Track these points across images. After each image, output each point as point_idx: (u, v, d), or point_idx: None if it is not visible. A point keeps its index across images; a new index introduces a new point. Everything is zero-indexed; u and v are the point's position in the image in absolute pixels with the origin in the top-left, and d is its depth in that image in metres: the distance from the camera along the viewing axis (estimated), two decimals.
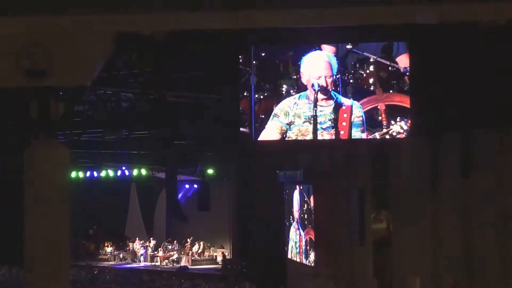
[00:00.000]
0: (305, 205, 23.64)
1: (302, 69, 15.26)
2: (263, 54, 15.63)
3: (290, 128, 15.39)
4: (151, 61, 17.80)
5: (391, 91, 15.24)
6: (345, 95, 15.21)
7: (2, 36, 8.10)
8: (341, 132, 15.25)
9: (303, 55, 15.30)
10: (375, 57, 15.16)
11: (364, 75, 15.21)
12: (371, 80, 15.19)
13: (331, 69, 15.17)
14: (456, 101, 16.21)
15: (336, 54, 15.24)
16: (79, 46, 8.33)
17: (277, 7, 7.17)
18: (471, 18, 6.88)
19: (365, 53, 15.24)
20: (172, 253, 31.52)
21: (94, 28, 8.08)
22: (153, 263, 31.67)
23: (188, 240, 31.41)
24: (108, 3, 7.68)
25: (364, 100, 15.21)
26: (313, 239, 22.80)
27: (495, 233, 16.61)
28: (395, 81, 15.25)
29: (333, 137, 15.37)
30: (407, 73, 15.05)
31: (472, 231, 17.26)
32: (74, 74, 8.71)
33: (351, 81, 15.24)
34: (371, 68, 15.19)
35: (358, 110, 15.14)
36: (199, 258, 31.09)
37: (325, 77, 15.13)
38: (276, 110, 15.40)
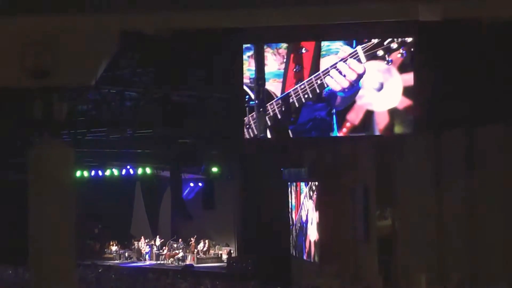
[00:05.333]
0: (310, 202, 23.64)
1: None
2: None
3: None
4: (155, 61, 17.82)
5: None
6: None
7: (6, 35, 8.11)
8: None
9: None
10: None
11: None
12: None
13: None
14: (462, 97, 16.20)
15: None
16: (83, 45, 8.33)
17: (278, 5, 7.14)
18: (474, 14, 6.86)
19: None
20: (177, 251, 31.53)
21: (98, 27, 8.08)
22: (158, 262, 31.69)
23: (193, 238, 31.43)
24: (112, 2, 7.67)
25: None
26: (318, 237, 22.80)
27: (501, 228, 16.59)
28: None
29: None
30: None
31: (478, 227, 17.25)
32: (78, 74, 8.72)
33: None
34: None
35: None
36: (204, 256, 31.10)
37: None
38: None
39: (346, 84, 15.46)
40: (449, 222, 18.10)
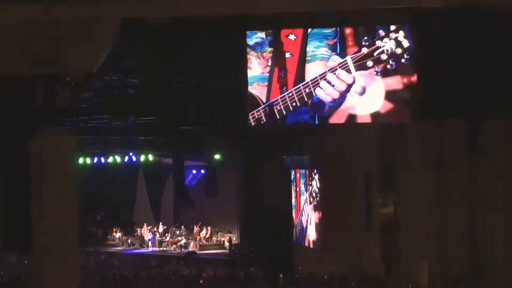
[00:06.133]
0: (312, 189, 23.68)
1: None
2: None
3: None
4: (157, 48, 17.79)
5: None
6: None
7: (7, 24, 8.11)
8: None
9: None
10: None
11: None
12: None
13: None
14: (463, 86, 16.19)
15: None
16: (84, 33, 8.33)
17: None
18: (475, 1, 6.86)
19: None
20: (180, 238, 31.59)
21: (100, 15, 8.08)
22: (161, 248, 31.75)
23: (196, 225, 31.48)
24: None
25: None
26: (320, 224, 22.84)
27: (503, 216, 16.63)
28: None
29: None
30: None
31: (480, 215, 17.28)
32: (80, 61, 8.72)
33: None
34: None
35: None
36: (206, 243, 31.15)
37: None
38: None
39: (336, 95, 15.51)
40: (452, 210, 18.13)
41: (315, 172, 23.43)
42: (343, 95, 15.55)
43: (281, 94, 15.72)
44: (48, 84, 9.64)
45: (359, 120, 15.74)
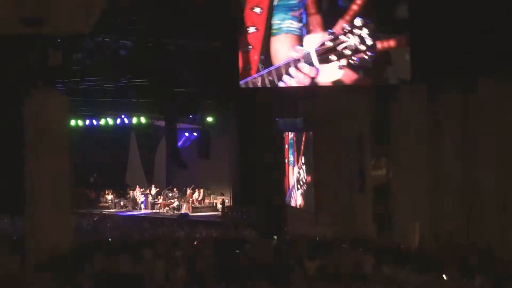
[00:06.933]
0: (306, 152, 23.72)
1: None
2: None
3: None
4: (150, 8, 17.67)
5: None
6: None
7: None
8: None
9: None
10: None
11: None
12: None
13: None
14: (457, 48, 16.17)
15: None
16: None
17: None
18: None
19: None
20: (172, 200, 31.63)
21: None
22: (153, 211, 31.82)
23: (189, 187, 31.51)
24: None
25: None
26: (312, 186, 22.92)
27: (495, 179, 16.69)
28: None
29: None
30: None
31: (472, 177, 17.35)
32: (72, 22, 8.65)
33: None
34: None
35: None
36: (199, 205, 31.20)
37: None
38: None
39: (300, 84, 15.84)
40: (444, 172, 18.20)
41: (306, 135, 23.46)
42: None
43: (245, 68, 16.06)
44: (40, 45, 9.57)
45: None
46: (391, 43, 15.84)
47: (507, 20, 14.91)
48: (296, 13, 15.92)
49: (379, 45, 15.54)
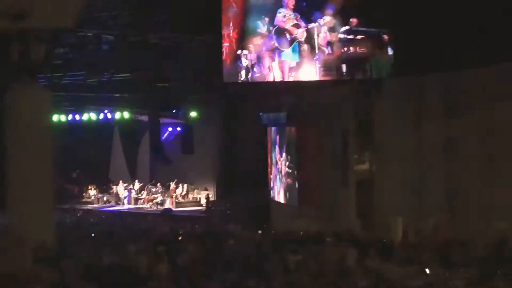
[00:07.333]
0: (289, 146, 23.73)
1: None
2: None
3: None
4: (132, 3, 17.63)
5: None
6: None
7: None
8: None
9: None
10: None
11: None
12: None
13: None
14: (439, 42, 16.20)
15: None
16: None
17: None
18: None
19: None
20: (156, 195, 31.59)
21: None
22: (137, 206, 31.75)
23: (172, 182, 31.47)
24: None
25: None
26: (296, 180, 22.93)
27: (478, 171, 16.74)
28: None
29: None
30: None
31: (456, 170, 17.39)
32: (55, 16, 8.60)
33: None
34: None
35: None
36: (183, 200, 31.17)
37: None
38: None
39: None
40: (427, 166, 18.23)
41: (289, 130, 23.47)
42: None
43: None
44: (22, 39, 9.49)
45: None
46: (374, 37, 15.87)
47: (491, 13, 14.96)
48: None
49: (361, 39, 15.58)
